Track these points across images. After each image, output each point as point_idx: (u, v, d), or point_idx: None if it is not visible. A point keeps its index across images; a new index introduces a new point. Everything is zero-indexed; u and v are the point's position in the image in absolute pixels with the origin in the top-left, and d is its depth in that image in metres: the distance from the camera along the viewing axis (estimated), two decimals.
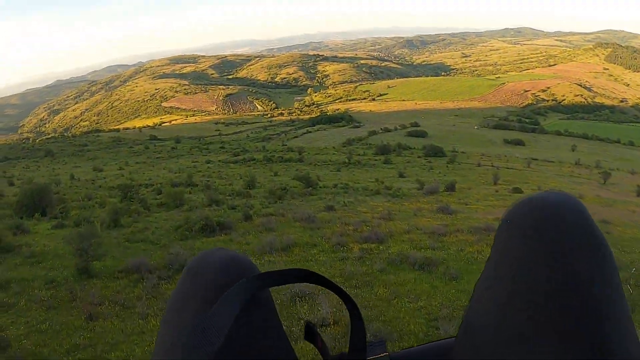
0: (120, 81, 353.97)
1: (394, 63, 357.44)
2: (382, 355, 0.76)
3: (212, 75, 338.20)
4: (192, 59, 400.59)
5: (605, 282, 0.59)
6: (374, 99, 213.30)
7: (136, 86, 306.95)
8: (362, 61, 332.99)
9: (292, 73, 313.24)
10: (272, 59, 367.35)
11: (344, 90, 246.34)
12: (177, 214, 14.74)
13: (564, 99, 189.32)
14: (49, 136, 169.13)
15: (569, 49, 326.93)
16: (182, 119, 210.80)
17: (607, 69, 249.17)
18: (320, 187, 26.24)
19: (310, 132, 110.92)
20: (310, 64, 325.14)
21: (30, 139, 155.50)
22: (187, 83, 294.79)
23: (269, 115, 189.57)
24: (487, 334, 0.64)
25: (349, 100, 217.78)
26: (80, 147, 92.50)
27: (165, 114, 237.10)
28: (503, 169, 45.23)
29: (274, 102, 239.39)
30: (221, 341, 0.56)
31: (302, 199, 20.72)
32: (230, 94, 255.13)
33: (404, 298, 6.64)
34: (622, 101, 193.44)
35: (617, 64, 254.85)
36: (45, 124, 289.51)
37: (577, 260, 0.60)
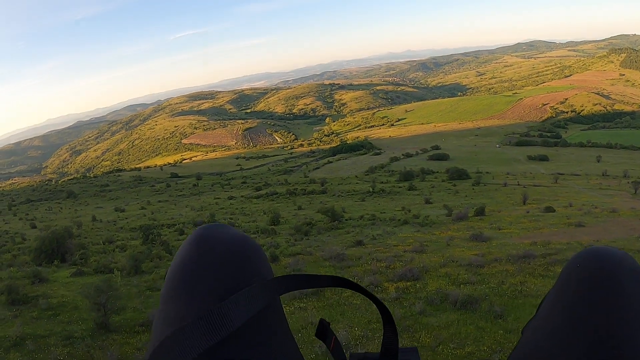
0: (140, 120, 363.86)
1: (410, 87, 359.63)
2: None
3: (230, 110, 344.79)
4: (210, 95, 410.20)
5: None
6: (392, 124, 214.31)
7: (156, 124, 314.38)
8: (378, 87, 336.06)
9: (310, 103, 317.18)
10: (289, 90, 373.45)
11: (362, 117, 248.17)
12: None
13: (583, 109, 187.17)
14: (71, 177, 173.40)
15: (583, 58, 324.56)
16: (202, 155, 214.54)
17: (624, 74, 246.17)
18: (346, 220, 25.98)
19: (331, 162, 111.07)
20: (326, 94, 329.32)
21: (53, 180, 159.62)
22: (205, 119, 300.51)
23: (289, 147, 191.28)
24: None
25: (368, 127, 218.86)
26: (102, 187, 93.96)
27: (185, 151, 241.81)
28: (530, 187, 44.39)
29: (293, 134, 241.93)
30: (233, 329, 0.54)
31: (329, 233, 20.51)
32: (249, 128, 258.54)
33: (449, 344, 6.27)
34: None
35: (633, 69, 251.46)
36: (67, 164, 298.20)
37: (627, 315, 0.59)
